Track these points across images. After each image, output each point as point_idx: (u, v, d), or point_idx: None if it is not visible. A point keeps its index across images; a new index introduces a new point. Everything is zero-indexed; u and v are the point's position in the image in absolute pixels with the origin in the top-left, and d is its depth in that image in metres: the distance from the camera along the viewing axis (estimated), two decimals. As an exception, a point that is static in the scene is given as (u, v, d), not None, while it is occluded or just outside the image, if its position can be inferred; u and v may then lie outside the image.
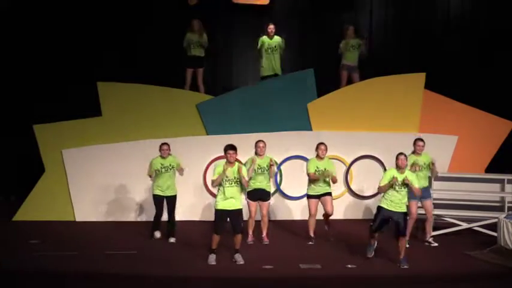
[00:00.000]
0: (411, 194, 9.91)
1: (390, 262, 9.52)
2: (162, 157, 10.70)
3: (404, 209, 9.43)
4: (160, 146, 10.76)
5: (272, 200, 12.26)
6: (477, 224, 11.20)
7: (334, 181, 10.75)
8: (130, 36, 13.74)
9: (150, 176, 10.83)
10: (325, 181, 10.68)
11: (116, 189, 12.41)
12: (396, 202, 9.38)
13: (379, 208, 9.50)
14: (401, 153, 9.48)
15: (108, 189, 12.41)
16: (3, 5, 13.46)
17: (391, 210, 9.38)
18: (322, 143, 10.73)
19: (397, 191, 9.36)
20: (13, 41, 13.65)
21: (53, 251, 9.80)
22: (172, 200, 10.81)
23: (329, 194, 10.76)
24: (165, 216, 10.95)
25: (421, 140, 10.65)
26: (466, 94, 13.42)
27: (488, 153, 13.44)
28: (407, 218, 9.65)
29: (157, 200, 10.82)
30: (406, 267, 9.27)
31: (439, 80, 13.36)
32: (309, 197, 10.79)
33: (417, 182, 9.54)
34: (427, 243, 10.74)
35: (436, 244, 10.69)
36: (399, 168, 9.43)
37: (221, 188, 9.36)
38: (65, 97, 13.44)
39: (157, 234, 10.86)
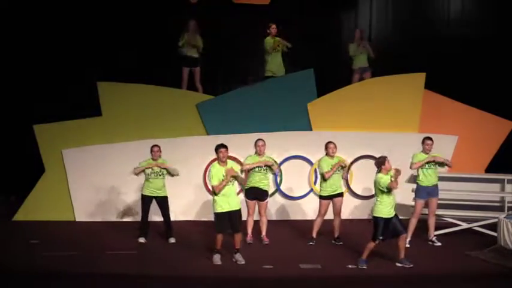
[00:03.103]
0: (420, 194, 10.46)
1: (390, 262, 9.52)
2: (153, 159, 10.62)
3: (394, 211, 9.39)
4: (152, 148, 10.67)
5: (272, 200, 12.30)
6: (477, 224, 11.21)
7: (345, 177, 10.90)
8: (130, 36, 13.73)
9: (136, 174, 10.67)
10: (337, 181, 10.68)
11: (116, 189, 12.40)
12: (390, 207, 9.33)
13: (376, 218, 9.35)
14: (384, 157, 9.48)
15: (108, 189, 12.40)
16: (3, 5, 13.44)
17: (387, 218, 9.32)
18: (331, 142, 10.73)
19: (387, 196, 9.33)
20: (13, 41, 13.64)
21: (53, 251, 9.79)
22: (163, 202, 10.70)
23: (341, 194, 10.81)
24: (160, 218, 10.90)
25: (430, 138, 10.69)
26: (466, 94, 13.42)
27: (488, 153, 13.43)
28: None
29: (145, 200, 10.66)
30: (411, 266, 9.28)
31: (439, 80, 13.36)
32: (321, 197, 10.75)
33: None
34: (430, 242, 10.74)
35: (439, 243, 10.68)
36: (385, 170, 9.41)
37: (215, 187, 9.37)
38: (65, 97, 13.43)
39: (142, 239, 10.64)
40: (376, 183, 9.40)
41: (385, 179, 9.28)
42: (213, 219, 9.53)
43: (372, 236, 9.34)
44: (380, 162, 9.44)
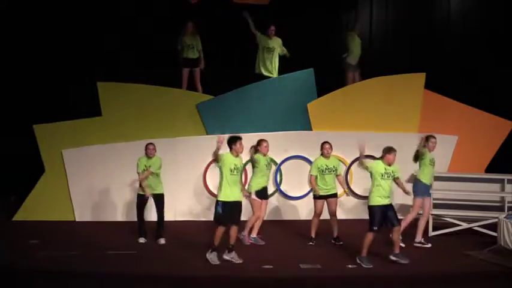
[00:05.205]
0: (421, 191, 10.40)
1: (390, 262, 9.51)
2: (148, 157, 10.60)
3: (391, 200, 9.45)
4: (147, 146, 10.65)
5: (272, 200, 12.32)
6: (477, 224, 11.21)
7: (340, 181, 10.87)
8: (130, 36, 13.74)
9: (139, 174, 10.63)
10: (332, 181, 10.67)
11: (116, 189, 12.40)
12: (386, 195, 9.35)
13: (372, 208, 9.37)
14: (393, 150, 9.51)
15: (108, 189, 12.41)
16: (3, 5, 13.45)
17: (383, 205, 9.34)
18: (326, 142, 10.73)
19: (385, 180, 9.34)
20: (13, 41, 13.64)
21: (53, 251, 9.80)
22: (158, 198, 10.64)
23: (335, 195, 10.78)
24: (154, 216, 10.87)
25: (434, 137, 10.71)
26: (466, 94, 13.42)
27: (488, 153, 13.44)
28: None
29: (138, 199, 10.62)
30: (406, 262, 9.26)
31: (439, 80, 13.37)
32: (315, 197, 10.74)
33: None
34: (419, 245, 10.57)
35: (429, 245, 10.62)
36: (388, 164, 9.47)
37: (228, 178, 9.23)
38: (65, 97, 13.44)
39: (142, 240, 10.63)
40: (371, 169, 9.44)
41: (379, 167, 9.36)
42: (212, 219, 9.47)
43: (369, 226, 9.35)
44: (387, 150, 9.45)
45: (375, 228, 9.33)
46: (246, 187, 10.71)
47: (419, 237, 10.65)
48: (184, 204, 12.40)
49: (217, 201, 9.31)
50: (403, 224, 10.32)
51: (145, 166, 10.56)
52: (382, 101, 13.05)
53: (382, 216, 9.33)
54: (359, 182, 12.76)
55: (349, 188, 12.87)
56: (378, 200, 9.35)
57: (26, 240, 10.46)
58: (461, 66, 14.36)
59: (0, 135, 13.64)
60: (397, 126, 12.99)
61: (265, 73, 13.13)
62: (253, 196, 10.53)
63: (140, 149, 11.39)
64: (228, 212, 9.22)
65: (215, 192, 11.80)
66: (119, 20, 13.75)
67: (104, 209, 12.44)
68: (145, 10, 13.86)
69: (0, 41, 13.57)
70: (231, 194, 9.25)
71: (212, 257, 9.29)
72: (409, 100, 13.10)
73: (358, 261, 9.29)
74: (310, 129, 12.94)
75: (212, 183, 12.40)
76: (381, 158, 9.51)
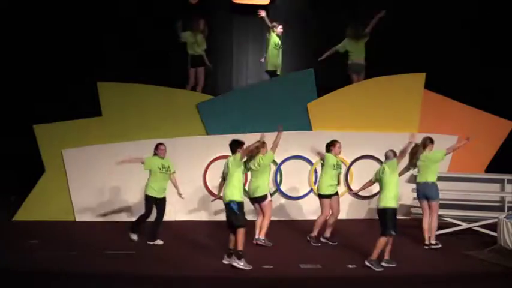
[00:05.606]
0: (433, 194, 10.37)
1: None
2: (161, 157, 10.63)
3: None
4: (158, 146, 10.64)
5: (272, 200, 12.31)
6: (477, 224, 11.20)
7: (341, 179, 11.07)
8: (131, 36, 13.75)
9: (143, 163, 10.62)
10: (337, 178, 10.72)
11: (116, 189, 12.41)
12: (397, 197, 9.36)
13: (390, 210, 9.20)
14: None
15: (108, 189, 12.41)
16: (3, 5, 13.46)
17: (396, 208, 9.34)
18: (337, 141, 10.75)
19: (394, 186, 9.35)
20: (13, 41, 13.65)
21: (53, 251, 9.80)
22: (162, 202, 10.67)
23: (337, 193, 10.81)
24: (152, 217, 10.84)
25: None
26: (466, 94, 13.42)
27: (488, 153, 13.44)
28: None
29: (151, 201, 10.59)
30: (380, 270, 9.13)
31: (439, 80, 13.36)
32: (324, 196, 10.65)
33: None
34: (436, 246, 10.47)
35: (440, 245, 10.58)
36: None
37: (239, 179, 9.24)
38: (65, 97, 13.44)
39: (135, 236, 10.61)
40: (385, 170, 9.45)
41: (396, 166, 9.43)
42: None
43: (383, 230, 9.21)
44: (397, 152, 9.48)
45: (394, 233, 9.20)
46: (257, 191, 10.45)
47: (434, 239, 10.51)
48: (184, 204, 12.38)
49: (231, 203, 9.13)
50: (434, 233, 10.37)
51: (164, 166, 10.54)
52: (382, 101, 13.05)
53: (396, 218, 9.28)
54: (359, 182, 12.75)
55: (349, 188, 12.86)
56: (395, 202, 9.26)
57: (26, 240, 10.46)
58: (461, 66, 14.35)
59: (0, 135, 13.64)
60: (397, 126, 12.98)
61: (279, 71, 13.21)
62: (270, 198, 10.55)
63: (140, 149, 11.44)
64: (242, 211, 9.21)
65: (215, 192, 11.81)
66: (119, 20, 13.75)
67: (104, 209, 12.44)
68: (145, 10, 13.87)
69: (0, 41, 13.58)
70: (240, 193, 9.21)
71: (244, 263, 9.06)
72: (409, 100, 13.10)
73: (368, 265, 9.16)
74: (310, 129, 12.94)
75: (212, 183, 12.39)
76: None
